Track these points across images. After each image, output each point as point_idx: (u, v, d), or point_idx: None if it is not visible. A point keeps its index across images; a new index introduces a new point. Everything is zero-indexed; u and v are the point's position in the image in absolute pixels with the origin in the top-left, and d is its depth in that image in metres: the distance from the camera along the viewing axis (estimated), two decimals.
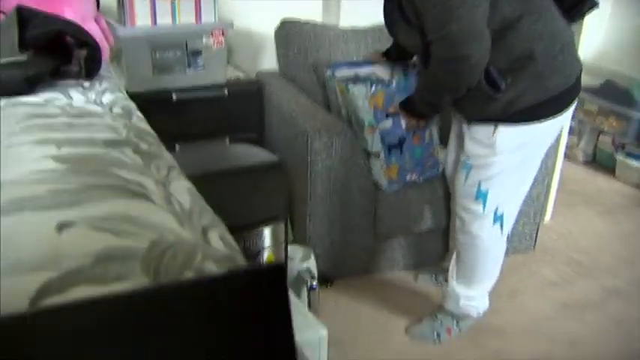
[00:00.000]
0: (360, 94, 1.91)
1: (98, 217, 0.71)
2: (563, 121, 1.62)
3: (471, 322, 1.88)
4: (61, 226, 0.68)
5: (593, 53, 3.22)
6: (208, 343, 0.59)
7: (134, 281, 0.61)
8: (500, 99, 1.48)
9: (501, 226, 1.70)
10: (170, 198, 0.80)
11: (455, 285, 1.82)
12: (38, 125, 1.08)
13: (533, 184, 2.23)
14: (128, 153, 0.95)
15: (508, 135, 1.55)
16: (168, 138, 1.72)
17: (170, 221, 0.73)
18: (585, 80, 2.90)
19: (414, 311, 1.98)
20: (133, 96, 2.08)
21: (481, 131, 1.58)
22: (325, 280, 2.12)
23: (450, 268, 1.84)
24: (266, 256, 1.37)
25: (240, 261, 0.74)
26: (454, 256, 1.82)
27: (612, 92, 3.17)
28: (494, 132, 1.55)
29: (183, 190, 0.85)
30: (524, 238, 2.35)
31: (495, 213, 1.66)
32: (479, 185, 1.63)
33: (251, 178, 1.38)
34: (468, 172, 1.64)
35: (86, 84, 1.53)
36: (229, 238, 0.80)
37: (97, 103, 1.36)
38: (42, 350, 0.51)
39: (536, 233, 2.36)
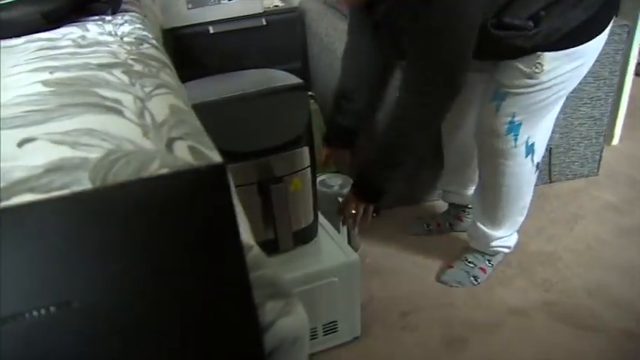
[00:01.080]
0: None
1: (60, 132, 0.70)
2: (606, 35, 1.45)
3: (502, 257, 1.79)
4: (23, 142, 0.68)
5: None
6: (147, 243, 0.58)
7: (78, 189, 0.60)
8: (539, 33, 1.32)
9: (532, 157, 1.55)
10: (144, 112, 0.78)
11: (482, 226, 1.71)
12: (42, 56, 1.08)
13: (595, 104, 2.07)
14: (116, 73, 0.93)
15: (554, 61, 1.39)
16: (209, 72, 1.71)
17: (134, 133, 0.71)
18: None
19: (458, 244, 1.91)
20: (170, 32, 2.09)
21: (522, 61, 1.40)
22: None
23: (474, 207, 1.73)
24: (292, 181, 1.34)
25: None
26: (477, 195, 1.70)
27: None
28: (537, 60, 1.38)
29: (163, 104, 0.82)
30: (586, 161, 2.19)
31: (527, 144, 1.51)
32: (512, 117, 1.46)
33: (274, 101, 1.33)
34: (499, 104, 1.45)
35: (108, 18, 1.53)
36: (206, 151, 0.77)
37: (112, 34, 1.36)
38: None
39: (600, 156, 2.19)
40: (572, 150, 2.14)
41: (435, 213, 2.04)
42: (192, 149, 0.74)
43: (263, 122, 1.25)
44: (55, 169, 0.62)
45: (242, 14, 2.13)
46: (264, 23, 2.17)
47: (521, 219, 1.71)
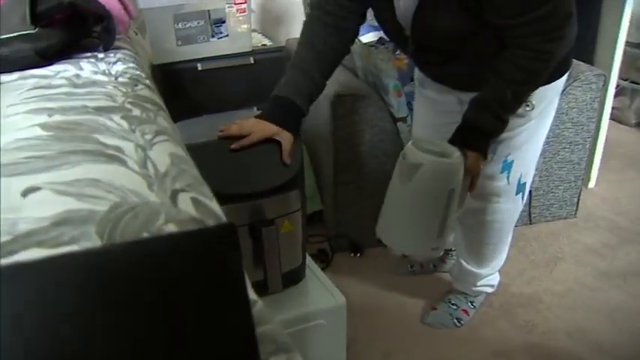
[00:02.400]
0: (383, 57, 1.85)
1: (64, 182, 0.70)
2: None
3: (483, 298, 1.81)
4: (27, 191, 0.68)
5: None
6: (155, 304, 0.58)
7: (86, 244, 0.60)
8: None
9: (523, 195, 1.59)
10: (146, 161, 0.79)
11: (467, 266, 1.73)
12: (38, 96, 1.08)
13: (574, 148, 2.13)
14: (116, 119, 0.94)
15: (541, 96, 1.43)
16: (196, 108, 1.72)
17: (138, 184, 0.71)
18: (636, 35, 2.72)
19: (441, 285, 1.93)
20: (158, 68, 2.11)
21: None
22: (354, 249, 2.10)
23: (459, 248, 1.74)
24: (283, 223, 1.34)
25: (210, 224, 0.71)
26: (464, 235, 1.71)
27: None
28: (529, 102, 1.41)
29: (164, 153, 0.83)
30: (565, 203, 2.24)
31: (519, 182, 1.55)
32: (505, 157, 1.49)
33: (266, 143, 1.34)
34: (496, 147, 1.47)
35: (100, 55, 1.54)
36: (208, 202, 0.77)
37: (106, 73, 1.36)
38: None
39: (578, 199, 2.25)
40: (552, 193, 2.19)
41: None
42: (195, 201, 0.75)
43: (255, 164, 1.26)
44: (62, 222, 0.62)
45: (231, 52, 2.16)
46: (252, 62, 2.20)
47: (504, 257, 1.74)
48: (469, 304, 1.78)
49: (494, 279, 1.78)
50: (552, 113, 1.51)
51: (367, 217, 2.05)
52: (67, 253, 0.54)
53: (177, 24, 2.06)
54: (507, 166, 1.51)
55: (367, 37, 2.05)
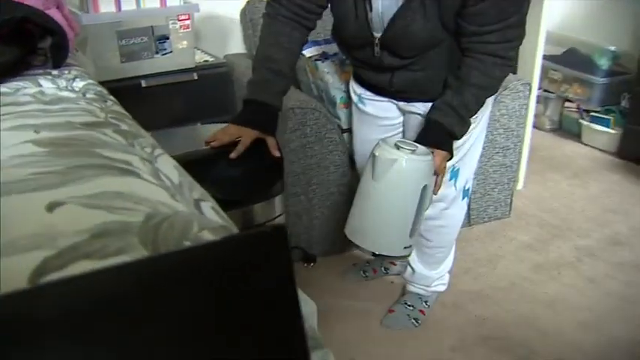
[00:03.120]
0: (330, 70, 1.91)
1: (88, 195, 0.70)
2: None
3: (436, 297, 1.90)
4: (52, 206, 0.67)
5: (556, 22, 3.27)
6: (217, 309, 0.59)
7: (133, 254, 0.61)
8: None
9: (468, 199, 1.71)
10: (158, 173, 0.80)
11: (420, 269, 1.81)
12: (10, 113, 1.05)
13: (506, 152, 2.28)
14: (109, 133, 0.93)
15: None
16: (140, 125, 1.70)
17: (162, 195, 0.73)
18: (549, 49, 2.97)
19: (394, 288, 2.00)
20: (102, 84, 2.06)
21: None
22: (307, 259, 2.13)
23: (412, 254, 1.80)
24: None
25: (235, 231, 0.74)
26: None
27: (575, 60, 3.24)
28: None
29: (170, 166, 0.84)
30: (499, 205, 2.39)
31: (464, 188, 1.66)
32: (453, 166, 1.57)
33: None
34: (456, 177, 1.59)
35: (54, 72, 1.50)
36: (220, 210, 0.80)
37: (69, 89, 1.34)
38: (46, 326, 0.50)
39: (511, 200, 2.41)
40: (488, 195, 2.33)
41: (368, 259, 2.12)
42: (215, 210, 0.77)
43: (238, 173, 1.28)
44: (101, 234, 0.63)
45: (174, 69, 2.15)
46: (196, 77, 2.20)
47: (453, 257, 1.84)
48: (424, 303, 1.86)
49: (446, 278, 1.87)
50: (488, 121, 1.64)
51: (318, 227, 2.10)
52: (134, 261, 0.55)
53: (121, 40, 2.03)
54: (454, 174, 1.61)
55: (309, 51, 2.11)
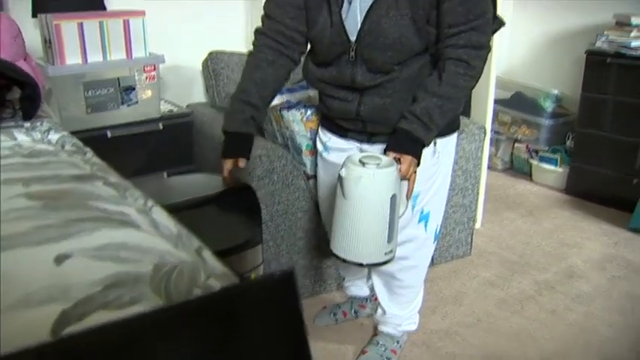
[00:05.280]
0: (295, 119, 1.96)
1: (93, 247, 0.72)
2: None
3: (407, 337, 1.93)
4: (59, 259, 0.69)
5: (502, 68, 3.47)
6: (232, 351, 0.62)
7: (148, 303, 0.63)
8: None
9: (436, 240, 1.75)
10: (156, 224, 0.82)
11: (391, 309, 1.83)
12: None
13: (465, 193, 2.38)
14: (100, 185, 0.95)
15: (447, 147, 1.62)
16: None
17: (165, 245, 0.75)
18: (498, 93, 3.13)
19: (365, 330, 2.03)
20: None
21: (425, 155, 1.52)
22: None
23: (381, 295, 1.83)
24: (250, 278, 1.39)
25: (235, 277, 0.76)
26: (383, 282, 1.80)
27: (522, 103, 3.42)
28: (434, 150, 1.57)
29: (164, 216, 0.87)
30: (461, 244, 2.47)
31: (435, 232, 1.71)
32: (422, 209, 1.62)
33: (222, 204, 1.39)
34: (414, 203, 1.60)
35: (27, 124, 1.50)
36: (218, 258, 0.82)
37: (45, 141, 1.34)
38: None
39: (471, 239, 2.49)
40: (449, 235, 2.41)
41: (338, 302, 2.15)
42: (215, 258, 0.80)
43: (217, 224, 1.30)
44: (113, 285, 0.65)
45: (140, 119, 2.17)
46: (161, 127, 2.22)
47: (421, 297, 1.88)
48: (396, 343, 1.89)
49: (416, 318, 1.91)
50: (452, 164, 1.72)
51: None
52: (155, 310, 0.57)
53: (87, 92, 2.04)
54: (424, 217, 1.67)
55: (274, 100, 2.16)
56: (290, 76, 1.63)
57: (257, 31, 1.58)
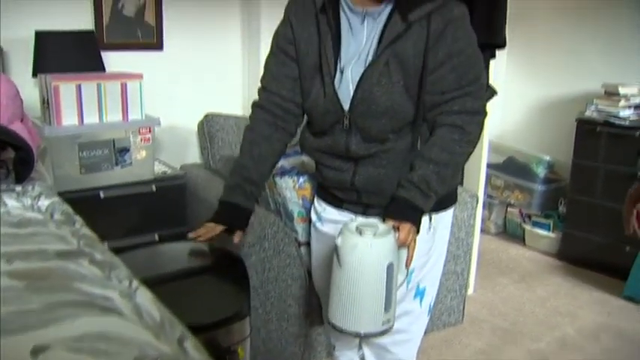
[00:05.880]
0: (287, 186, 1.97)
1: (72, 338, 0.71)
2: None
3: None
4: (36, 351, 0.68)
5: (495, 132, 3.52)
6: None
7: None
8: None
9: (430, 312, 1.71)
10: (140, 311, 0.81)
11: None
12: None
13: (457, 261, 2.37)
14: (85, 264, 0.94)
15: (443, 221, 1.60)
16: (96, 235, 1.69)
17: (146, 335, 0.74)
18: (491, 158, 3.17)
19: None
20: (59, 195, 2.05)
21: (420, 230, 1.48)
22: None
23: None
24: (237, 351, 1.36)
25: None
26: (373, 356, 1.73)
27: (514, 168, 3.46)
28: (430, 225, 1.54)
29: (149, 301, 0.85)
30: (452, 312, 2.44)
31: (430, 307, 1.67)
32: (418, 284, 1.59)
33: (210, 276, 1.39)
34: (409, 278, 1.56)
35: (18, 188, 1.50)
36: (199, 344, 0.81)
37: (35, 209, 1.34)
38: None
39: (464, 306, 2.47)
40: (441, 302, 2.39)
41: None
42: (196, 347, 0.78)
43: (205, 296, 1.29)
44: None
45: (133, 180, 2.17)
46: (154, 189, 2.22)
47: None
48: None
49: None
50: (448, 239, 1.71)
51: (276, 340, 2.08)
52: None
53: (82, 152, 2.05)
54: (420, 293, 1.63)
55: None
56: (287, 147, 1.63)
57: (254, 104, 1.59)
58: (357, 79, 1.41)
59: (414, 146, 1.45)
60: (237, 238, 1.56)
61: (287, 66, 1.50)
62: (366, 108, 1.43)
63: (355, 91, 1.43)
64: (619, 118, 2.91)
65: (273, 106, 1.55)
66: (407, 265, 1.47)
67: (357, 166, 1.51)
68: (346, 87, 1.45)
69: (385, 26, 1.37)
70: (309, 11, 1.45)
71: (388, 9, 1.38)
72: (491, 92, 1.80)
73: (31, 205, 1.34)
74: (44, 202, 1.38)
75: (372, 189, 1.52)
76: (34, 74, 2.27)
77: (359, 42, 1.42)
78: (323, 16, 1.42)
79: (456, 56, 1.36)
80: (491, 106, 2.54)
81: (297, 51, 1.48)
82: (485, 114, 1.44)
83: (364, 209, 1.58)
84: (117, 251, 1.74)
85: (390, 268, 1.38)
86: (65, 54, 2.28)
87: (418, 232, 1.45)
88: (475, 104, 1.40)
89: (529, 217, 3.43)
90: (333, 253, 1.41)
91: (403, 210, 1.43)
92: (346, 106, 1.45)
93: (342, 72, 1.46)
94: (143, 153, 2.19)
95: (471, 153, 1.46)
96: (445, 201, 1.54)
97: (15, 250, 0.98)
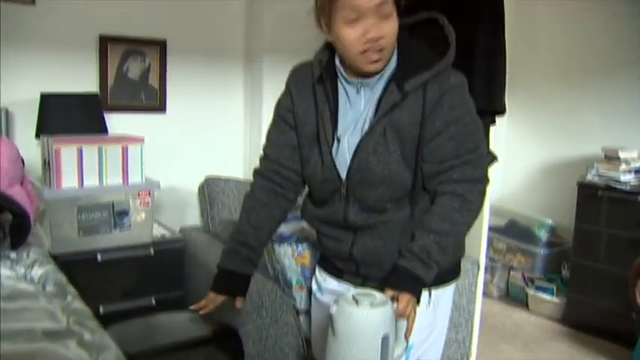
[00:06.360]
0: (286, 253, 1.95)
1: None
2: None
3: None
4: None
5: (496, 196, 3.51)
6: None
7: None
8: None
9: None
10: None
11: None
12: None
13: (458, 329, 2.31)
14: (72, 346, 0.92)
15: (444, 296, 1.55)
16: (92, 299, 1.67)
17: None
18: (492, 221, 3.15)
19: None
20: (56, 257, 2.04)
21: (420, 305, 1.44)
22: None
23: None
24: None
25: None
26: None
27: (516, 231, 3.43)
28: (429, 300, 1.49)
29: None
30: None
31: None
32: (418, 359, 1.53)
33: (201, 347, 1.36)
34: (408, 354, 1.51)
35: (12, 255, 1.49)
36: None
37: (27, 279, 1.33)
38: None
39: None
40: None
41: None
42: None
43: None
44: None
45: (131, 243, 2.16)
46: (152, 253, 2.20)
47: None
48: None
49: None
50: (449, 314, 1.65)
51: None
52: None
53: (81, 215, 2.05)
54: None
55: None
56: (287, 215, 1.62)
57: (255, 171, 1.60)
58: (354, 148, 1.41)
59: (413, 217, 1.44)
60: (238, 303, 1.54)
61: (287, 134, 1.51)
62: (363, 177, 1.41)
63: (352, 160, 1.42)
64: (620, 182, 2.91)
65: (272, 174, 1.55)
66: (406, 337, 1.43)
67: (355, 236, 1.49)
68: (343, 156, 1.45)
69: (382, 95, 1.37)
70: (307, 82, 1.46)
71: (385, 78, 1.38)
72: (492, 158, 1.79)
73: (24, 274, 1.33)
74: (38, 272, 1.37)
75: (370, 261, 1.50)
76: (37, 135, 2.30)
77: (356, 111, 1.42)
78: (320, 86, 1.43)
79: (454, 125, 1.35)
80: (492, 169, 2.56)
81: (296, 120, 1.49)
82: (486, 181, 1.41)
83: (363, 281, 1.55)
84: (112, 316, 1.72)
85: (385, 340, 1.34)
86: (69, 116, 2.32)
87: (418, 302, 1.40)
88: (476, 172, 1.38)
89: (532, 280, 3.37)
90: (329, 319, 1.38)
91: (403, 280, 1.39)
92: (343, 175, 1.45)
93: (339, 141, 1.46)
94: (142, 216, 2.18)
95: (473, 222, 1.43)
96: (446, 275, 1.50)
97: (4, 328, 0.96)
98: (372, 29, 1.28)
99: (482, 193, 1.41)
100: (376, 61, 1.33)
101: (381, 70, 1.36)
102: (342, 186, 1.46)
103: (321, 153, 1.48)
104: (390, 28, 1.30)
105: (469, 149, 1.37)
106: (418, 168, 1.40)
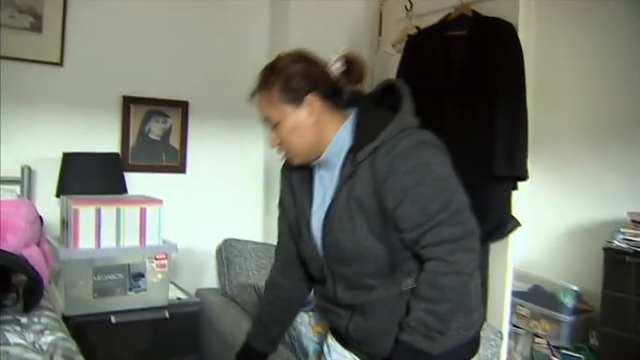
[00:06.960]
0: (303, 321, 1.91)
1: None
2: None
3: None
4: None
5: (520, 260, 3.42)
6: None
7: None
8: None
9: None
10: None
11: None
12: None
13: None
14: None
15: None
16: None
17: None
18: (516, 286, 3.06)
19: None
20: (69, 318, 2.01)
21: None
22: None
23: None
24: None
25: None
26: None
27: (541, 297, 3.31)
28: None
29: None
30: None
31: None
32: None
33: None
34: None
35: (23, 319, 1.47)
36: None
37: (36, 347, 1.30)
38: None
39: None
40: None
41: None
42: None
43: None
44: None
45: (147, 306, 2.13)
46: (167, 316, 2.16)
47: None
48: None
49: None
50: None
51: None
52: None
53: (96, 276, 2.03)
54: None
55: None
56: (306, 296, 1.66)
57: (274, 253, 1.67)
58: (322, 222, 1.40)
59: (403, 294, 1.35)
60: None
61: (285, 218, 1.57)
62: (336, 253, 1.39)
63: (323, 236, 1.41)
64: None
65: (282, 257, 1.62)
66: None
67: (352, 315, 1.45)
68: (318, 232, 1.43)
69: (342, 168, 1.37)
70: (292, 168, 1.50)
71: (344, 152, 1.38)
72: (515, 224, 1.74)
73: (32, 342, 1.30)
74: (47, 339, 1.34)
75: (365, 340, 1.44)
76: (58, 194, 2.32)
77: (324, 186, 1.44)
78: (299, 169, 1.48)
79: (414, 188, 1.27)
80: (515, 233, 2.51)
81: (286, 204, 1.55)
82: (470, 236, 1.29)
83: (368, 357, 1.49)
84: None
85: None
86: (89, 175, 2.34)
87: None
88: (454, 231, 1.27)
89: (558, 349, 3.23)
90: None
91: (405, 355, 1.32)
92: (321, 253, 1.44)
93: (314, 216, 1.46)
94: (158, 278, 2.16)
95: (466, 283, 1.32)
96: (461, 351, 1.42)
97: None
98: (269, 137, 1.41)
99: (468, 251, 1.29)
100: (292, 158, 1.42)
101: (307, 161, 1.42)
102: (323, 263, 1.44)
103: (305, 232, 1.48)
104: (284, 134, 1.37)
105: (438, 210, 1.27)
106: (393, 239, 1.33)
